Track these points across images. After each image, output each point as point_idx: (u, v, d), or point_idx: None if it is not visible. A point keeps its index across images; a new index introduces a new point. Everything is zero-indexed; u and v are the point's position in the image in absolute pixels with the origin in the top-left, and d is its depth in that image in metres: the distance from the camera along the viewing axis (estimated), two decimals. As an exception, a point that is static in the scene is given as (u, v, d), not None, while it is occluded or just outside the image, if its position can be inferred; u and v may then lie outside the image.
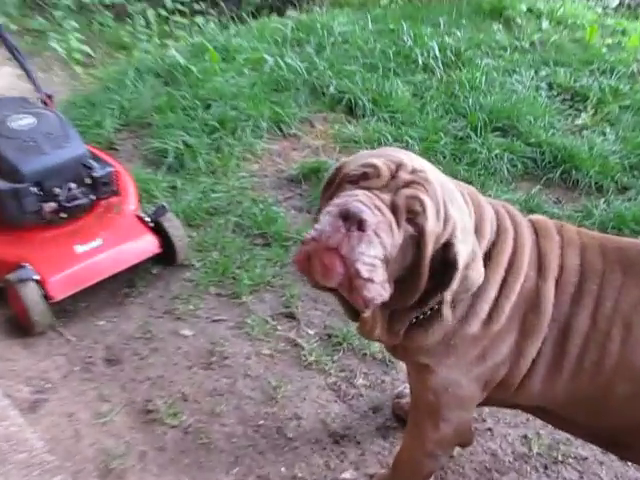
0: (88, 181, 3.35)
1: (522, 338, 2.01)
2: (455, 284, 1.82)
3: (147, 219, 3.47)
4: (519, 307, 2.02)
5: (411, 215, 1.75)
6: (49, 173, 3.24)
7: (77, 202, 3.31)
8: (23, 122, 3.35)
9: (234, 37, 5.48)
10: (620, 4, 7.29)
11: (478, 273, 1.90)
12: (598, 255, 2.05)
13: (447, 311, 1.90)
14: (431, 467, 2.29)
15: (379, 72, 5.04)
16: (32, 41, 5.81)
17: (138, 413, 2.82)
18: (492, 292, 2.00)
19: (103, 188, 3.40)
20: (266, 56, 5.10)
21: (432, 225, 1.76)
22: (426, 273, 1.80)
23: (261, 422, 2.77)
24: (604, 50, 5.58)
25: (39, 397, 2.87)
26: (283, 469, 2.61)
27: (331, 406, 2.84)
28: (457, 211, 1.84)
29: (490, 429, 2.73)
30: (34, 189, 3.20)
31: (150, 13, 6.46)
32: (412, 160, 1.86)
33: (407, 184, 1.79)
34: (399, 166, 1.82)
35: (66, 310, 3.28)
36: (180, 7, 6.58)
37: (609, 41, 5.76)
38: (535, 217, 2.23)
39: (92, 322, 3.25)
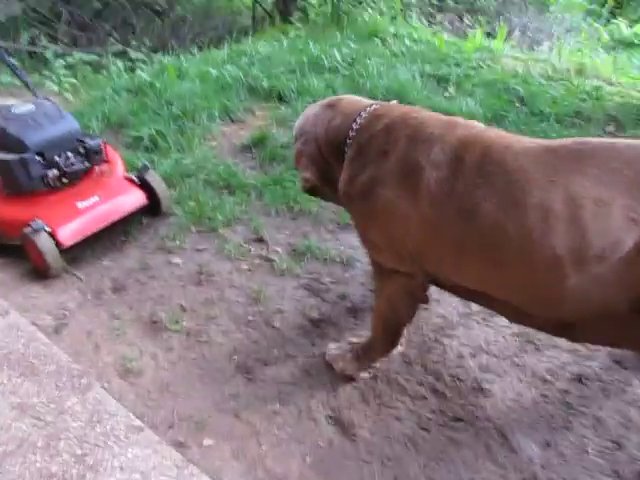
0: (82, 151, 2.81)
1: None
2: None
3: (134, 178, 2.92)
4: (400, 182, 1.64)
5: None
6: (49, 144, 2.67)
7: (75, 168, 2.76)
8: (24, 109, 2.78)
9: (184, 63, 4.91)
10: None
11: None
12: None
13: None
14: (403, 312, 1.86)
15: (297, 74, 4.56)
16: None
17: (145, 325, 2.31)
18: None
19: (95, 156, 2.85)
20: (210, 69, 4.56)
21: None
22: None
23: (250, 318, 2.31)
24: (451, 53, 5.29)
25: (60, 322, 2.33)
26: (275, 351, 2.15)
27: (306, 300, 2.39)
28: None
29: (437, 300, 2.32)
30: (38, 158, 2.64)
31: (119, 64, 5.83)
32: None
33: None
34: None
35: (75, 257, 2.72)
36: (141, 57, 6.08)
37: (453, 48, 5.49)
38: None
39: (98, 262, 2.71)
